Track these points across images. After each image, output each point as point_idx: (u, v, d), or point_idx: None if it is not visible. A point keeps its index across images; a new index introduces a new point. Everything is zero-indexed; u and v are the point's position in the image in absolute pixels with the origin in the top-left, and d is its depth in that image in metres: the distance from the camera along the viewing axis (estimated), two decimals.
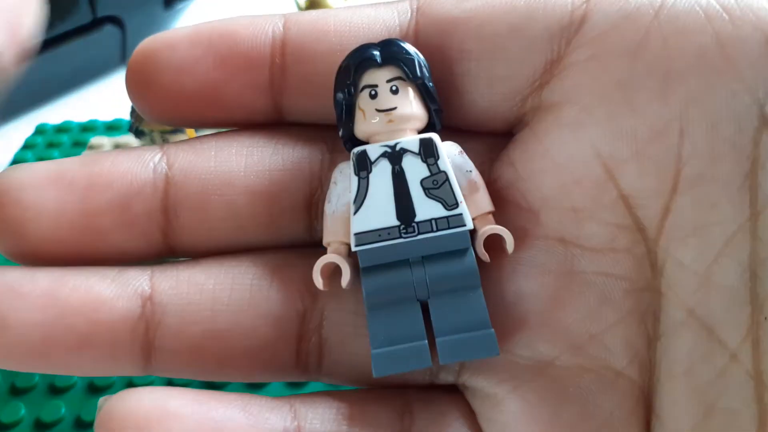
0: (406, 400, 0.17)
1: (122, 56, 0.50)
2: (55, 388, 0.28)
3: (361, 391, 0.17)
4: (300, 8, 0.46)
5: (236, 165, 0.17)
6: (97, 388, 0.28)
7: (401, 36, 0.17)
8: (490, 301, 0.17)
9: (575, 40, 0.16)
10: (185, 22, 0.55)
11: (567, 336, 0.16)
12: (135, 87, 0.17)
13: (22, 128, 0.45)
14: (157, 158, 0.17)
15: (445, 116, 0.17)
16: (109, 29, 0.47)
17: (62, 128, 0.45)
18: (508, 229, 0.17)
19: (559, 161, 0.16)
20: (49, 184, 0.16)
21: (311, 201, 0.17)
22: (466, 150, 0.17)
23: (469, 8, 0.17)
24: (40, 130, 0.45)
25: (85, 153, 0.17)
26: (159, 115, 0.17)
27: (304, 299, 0.17)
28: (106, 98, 0.47)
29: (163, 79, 0.17)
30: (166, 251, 0.17)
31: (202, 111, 0.17)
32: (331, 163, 0.17)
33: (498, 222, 0.17)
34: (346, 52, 0.17)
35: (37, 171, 0.16)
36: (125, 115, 0.43)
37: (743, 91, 0.15)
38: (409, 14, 0.17)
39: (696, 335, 0.15)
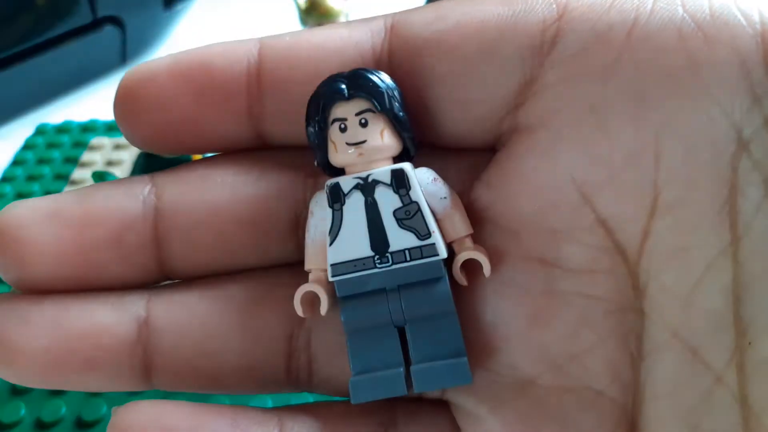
0: (392, 413, 0.17)
1: (122, 56, 0.50)
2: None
3: (347, 404, 0.17)
4: (300, 8, 0.47)
5: (222, 194, 0.17)
6: None
7: (374, 59, 0.17)
8: (470, 322, 0.17)
9: (548, 61, 0.16)
10: (185, 22, 0.55)
11: (547, 356, 0.16)
12: (121, 118, 0.17)
13: (22, 128, 0.45)
14: (146, 191, 0.17)
15: (421, 139, 0.17)
16: (109, 29, 0.47)
17: (62, 128, 0.45)
18: (487, 249, 0.17)
19: (535, 185, 0.16)
20: (47, 222, 0.17)
21: (297, 222, 0.18)
22: (447, 168, 0.17)
23: (441, 29, 0.16)
24: (40, 130, 0.45)
25: (78, 188, 0.18)
26: (145, 145, 0.18)
27: (291, 320, 0.17)
28: (106, 98, 0.47)
29: (145, 111, 0.17)
30: (161, 277, 0.18)
31: (186, 140, 0.18)
32: (315, 185, 0.18)
33: (477, 242, 0.17)
34: (321, 78, 0.17)
35: (35, 208, 0.17)
36: None
37: (719, 116, 0.15)
38: (382, 34, 0.17)
39: (680, 357, 0.15)
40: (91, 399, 0.28)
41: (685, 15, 0.15)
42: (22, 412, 0.28)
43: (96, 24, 0.47)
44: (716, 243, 0.15)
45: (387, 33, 0.17)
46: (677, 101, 0.15)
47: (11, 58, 0.44)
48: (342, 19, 0.46)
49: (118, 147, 0.43)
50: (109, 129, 0.45)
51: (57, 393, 0.28)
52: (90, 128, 0.45)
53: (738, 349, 0.15)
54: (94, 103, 0.48)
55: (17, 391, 0.28)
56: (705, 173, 0.15)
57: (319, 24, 0.45)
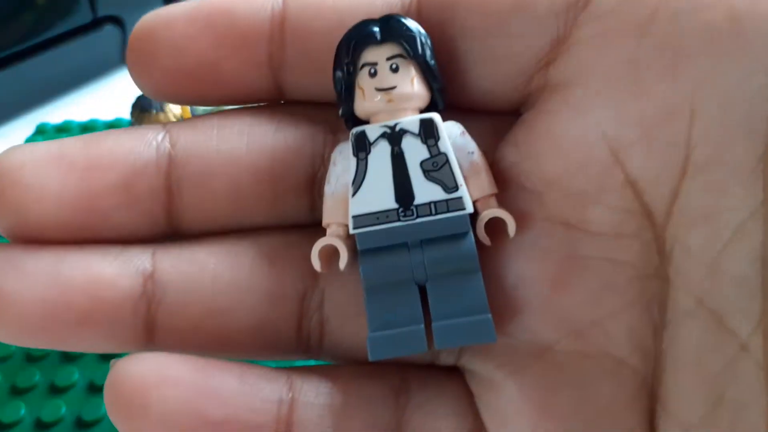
0: (404, 378, 0.17)
1: (122, 56, 0.50)
2: (56, 388, 0.28)
3: (359, 367, 0.17)
4: None
5: (239, 144, 0.17)
6: (98, 388, 0.28)
7: (403, 11, 0.17)
8: (490, 285, 0.16)
9: (582, 17, 0.16)
10: None
11: (568, 321, 0.16)
12: (134, 64, 0.17)
13: (22, 128, 0.45)
14: (159, 137, 0.17)
15: (448, 95, 0.17)
16: (109, 29, 0.48)
17: (62, 128, 0.45)
18: (511, 211, 0.16)
19: (564, 144, 0.16)
20: (50, 165, 0.16)
21: (314, 180, 0.17)
22: (471, 130, 0.17)
23: None
24: (40, 130, 0.45)
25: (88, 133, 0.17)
26: (159, 93, 0.17)
27: (304, 279, 0.17)
28: (106, 98, 0.47)
29: (161, 57, 0.16)
30: (169, 230, 0.17)
31: (202, 88, 0.17)
32: (334, 141, 0.17)
33: (501, 203, 0.16)
34: (346, 28, 0.16)
35: (38, 151, 0.16)
36: (125, 114, 0.43)
37: (758, 71, 0.14)
38: None
39: (705, 324, 0.15)
40: (91, 399, 0.27)
41: None
42: (22, 411, 0.27)
43: (96, 23, 0.47)
44: (747, 205, 0.15)
45: None
46: (716, 56, 0.15)
47: (11, 57, 0.44)
48: None
49: None
50: (109, 128, 0.44)
51: (57, 393, 0.28)
52: (90, 128, 0.45)
53: (765, 316, 0.15)
54: (94, 102, 0.48)
55: (17, 391, 0.28)
56: (740, 130, 0.15)
57: None
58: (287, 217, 0.17)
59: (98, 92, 0.48)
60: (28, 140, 0.44)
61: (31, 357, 0.29)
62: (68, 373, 0.28)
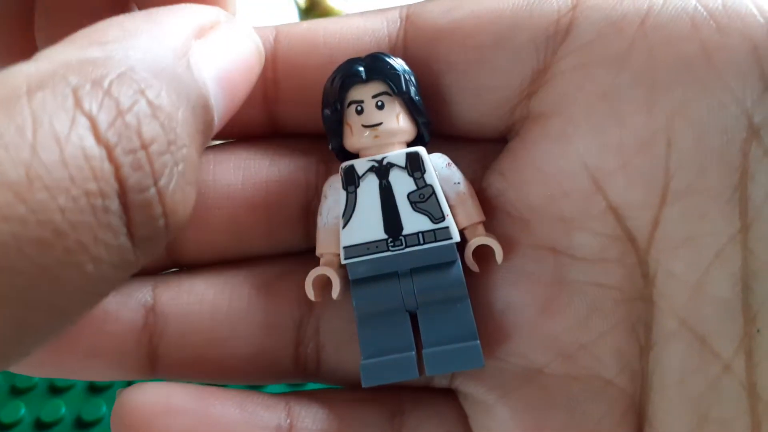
0: (399, 401, 0.17)
1: None
2: (55, 388, 0.28)
3: (354, 391, 0.17)
4: (300, 7, 0.46)
5: (234, 179, 0.17)
6: (97, 388, 0.28)
7: (390, 47, 0.17)
8: (480, 310, 0.17)
9: (561, 49, 0.16)
10: None
11: (556, 345, 0.16)
12: None
13: None
14: None
15: (434, 127, 0.17)
16: None
17: None
18: (499, 238, 0.17)
19: (547, 172, 0.16)
20: None
21: (308, 210, 0.18)
22: (459, 158, 0.17)
23: (456, 18, 0.17)
24: None
25: None
26: None
27: (300, 307, 0.17)
28: None
29: None
30: (170, 264, 0.18)
31: None
32: (326, 172, 0.18)
33: (488, 230, 0.17)
34: (336, 64, 0.17)
35: None
36: None
37: (731, 102, 0.15)
38: (398, 24, 0.17)
39: (688, 345, 0.16)
40: (90, 399, 0.28)
41: (697, 5, 0.16)
42: (22, 411, 0.28)
43: None
44: (726, 230, 0.15)
45: (402, 22, 0.17)
46: (689, 88, 0.15)
47: None
48: None
49: None
50: None
51: (57, 393, 0.28)
52: None
53: (746, 337, 0.15)
54: None
55: (17, 391, 0.28)
56: (716, 159, 0.15)
57: None
58: (283, 245, 0.18)
59: None
60: None
61: None
62: None
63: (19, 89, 0.10)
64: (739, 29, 0.15)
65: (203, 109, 0.13)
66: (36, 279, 0.09)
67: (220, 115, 0.13)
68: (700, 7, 0.15)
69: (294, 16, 0.47)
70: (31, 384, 0.28)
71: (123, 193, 0.10)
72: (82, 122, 0.10)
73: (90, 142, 0.10)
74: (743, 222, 0.15)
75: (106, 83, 0.10)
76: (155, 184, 0.11)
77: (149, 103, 0.11)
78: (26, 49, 0.17)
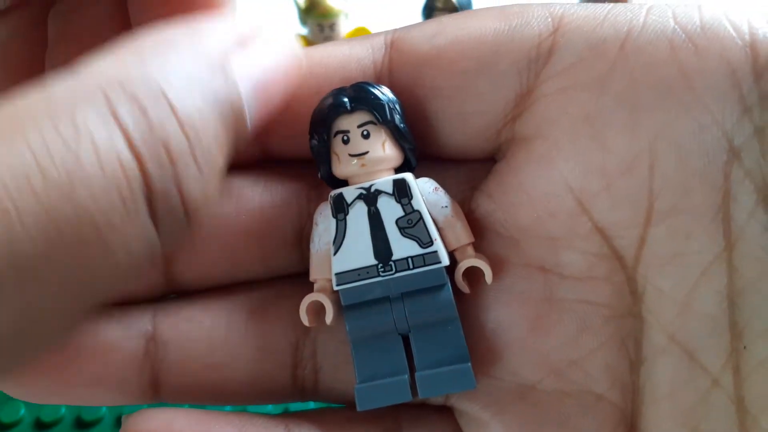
0: (396, 418, 0.18)
1: None
2: None
3: (352, 410, 0.18)
4: (299, 7, 0.47)
5: (228, 206, 0.18)
6: None
7: (375, 74, 0.17)
8: (472, 330, 0.17)
9: (543, 73, 0.16)
10: None
11: (547, 362, 0.17)
12: None
13: None
14: None
15: (421, 151, 0.17)
16: None
17: None
18: (488, 257, 0.17)
19: (533, 194, 0.17)
20: None
21: (301, 235, 0.18)
22: (447, 178, 0.18)
23: (440, 44, 0.17)
24: None
25: None
26: None
27: (296, 330, 0.18)
28: None
29: None
30: (168, 290, 0.18)
31: None
32: (318, 197, 0.18)
33: (478, 249, 0.17)
34: (323, 93, 0.17)
35: None
36: None
37: (711, 124, 0.15)
38: (383, 50, 0.17)
39: (678, 360, 0.16)
40: None
41: (676, 27, 0.16)
42: (22, 411, 0.28)
43: None
44: (711, 249, 0.15)
45: (387, 48, 0.17)
46: (670, 110, 0.15)
47: None
48: (341, 18, 0.46)
49: None
50: None
51: None
52: None
53: (734, 352, 0.15)
54: None
55: None
56: (698, 181, 0.15)
57: (319, 23, 0.45)
58: (279, 269, 0.18)
59: None
60: None
61: None
62: None
63: (64, 103, 0.11)
64: (718, 52, 0.15)
65: (236, 119, 0.14)
66: (75, 268, 0.11)
67: (253, 123, 0.14)
68: (678, 29, 0.16)
69: (294, 16, 0.47)
70: None
71: (150, 194, 0.12)
72: (118, 134, 0.11)
73: (125, 152, 0.11)
74: (727, 241, 0.15)
75: (141, 100, 0.12)
76: (178, 187, 0.12)
77: (179, 120, 0.12)
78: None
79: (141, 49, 0.13)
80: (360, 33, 0.46)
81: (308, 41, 0.46)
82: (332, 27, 0.45)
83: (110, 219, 0.11)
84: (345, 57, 0.18)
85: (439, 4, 0.43)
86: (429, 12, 0.44)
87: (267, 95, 0.15)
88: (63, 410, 0.28)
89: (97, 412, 0.28)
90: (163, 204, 0.12)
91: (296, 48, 0.16)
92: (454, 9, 0.43)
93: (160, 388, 0.17)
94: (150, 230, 0.12)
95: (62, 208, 0.10)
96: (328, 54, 0.18)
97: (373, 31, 0.46)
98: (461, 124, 0.17)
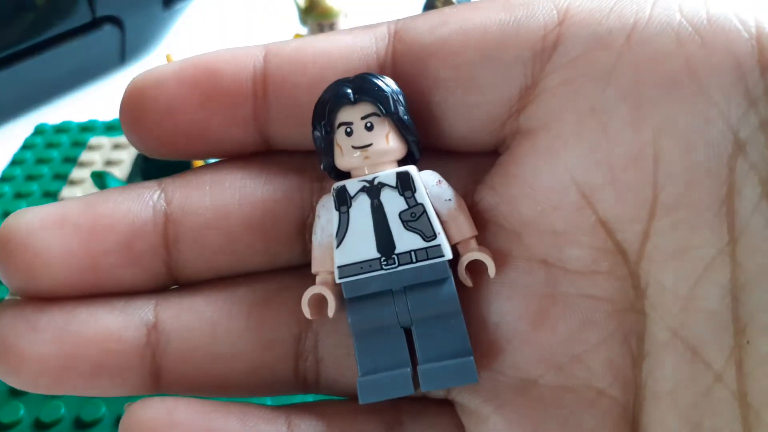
0: (397, 412, 0.18)
1: (121, 56, 0.50)
2: None
3: (353, 403, 0.18)
4: (299, 7, 0.47)
5: (230, 198, 0.18)
6: None
7: (379, 64, 0.17)
8: (474, 323, 0.17)
9: (549, 65, 0.16)
10: (184, 22, 0.55)
11: (550, 356, 0.17)
12: (128, 124, 0.17)
13: (21, 128, 0.45)
14: (155, 196, 0.18)
15: (425, 143, 0.17)
16: (109, 29, 0.47)
17: (62, 128, 0.45)
18: (491, 250, 0.17)
19: (537, 187, 0.17)
20: (55, 229, 0.17)
21: (304, 226, 0.18)
22: (451, 171, 0.17)
23: (444, 35, 0.17)
24: (39, 130, 0.45)
25: (85, 194, 0.18)
26: (152, 150, 0.18)
27: (299, 322, 0.18)
28: (106, 98, 0.47)
29: (153, 117, 0.17)
30: (170, 281, 0.18)
31: (193, 145, 0.18)
32: (321, 189, 0.18)
33: (481, 243, 0.17)
34: (326, 83, 0.17)
35: (43, 215, 0.17)
36: None
37: (716, 117, 0.15)
38: (386, 40, 0.17)
39: (680, 356, 0.16)
40: (90, 399, 0.28)
41: (682, 20, 0.16)
42: (21, 412, 0.28)
43: (95, 23, 0.47)
44: (715, 243, 0.15)
45: (391, 39, 0.17)
46: (675, 103, 0.15)
47: (11, 57, 0.44)
48: (341, 18, 0.46)
49: (117, 147, 0.43)
50: (108, 129, 0.45)
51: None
52: (89, 128, 0.45)
53: (737, 348, 0.15)
54: (93, 102, 0.48)
55: (16, 392, 0.29)
56: (703, 174, 0.15)
57: (319, 23, 0.45)
58: (281, 261, 0.18)
59: (97, 92, 0.48)
60: (28, 140, 0.44)
61: None
62: None
63: None
64: (724, 45, 0.15)
65: None
66: None
67: None
68: (684, 22, 0.15)
69: (293, 16, 0.47)
70: None
71: None
72: None
73: None
74: (731, 235, 0.15)
75: None
76: None
77: None
78: None
79: None
80: None
81: None
82: (332, 27, 0.45)
83: None
84: (348, 47, 0.17)
85: (439, 4, 0.43)
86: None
87: None
88: (62, 410, 0.28)
89: (96, 413, 0.28)
90: None
91: None
92: None
93: (161, 379, 0.17)
94: None
95: None
96: (331, 43, 0.18)
97: None
98: (465, 116, 0.17)
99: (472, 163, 0.18)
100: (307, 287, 0.17)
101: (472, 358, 0.16)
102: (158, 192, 0.18)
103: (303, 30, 0.47)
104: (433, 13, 0.17)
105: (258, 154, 0.18)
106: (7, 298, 0.17)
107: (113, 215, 0.17)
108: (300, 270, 0.18)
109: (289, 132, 0.18)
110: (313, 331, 0.18)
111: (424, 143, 0.17)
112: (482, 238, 0.17)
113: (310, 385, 0.18)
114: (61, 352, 0.16)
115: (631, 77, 0.16)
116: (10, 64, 0.44)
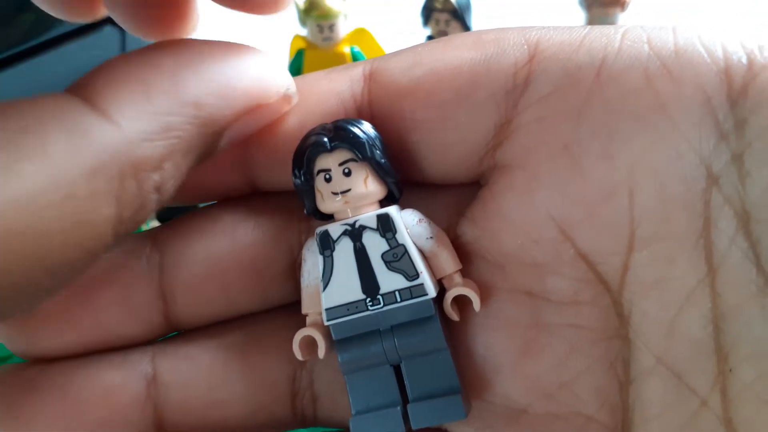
0: None
1: None
2: None
3: None
4: (299, 8, 0.46)
5: (222, 245, 0.18)
6: None
7: (356, 107, 0.18)
8: (462, 356, 0.17)
9: (521, 102, 0.16)
10: None
11: (537, 385, 0.17)
12: None
13: None
14: (148, 249, 0.18)
15: (405, 180, 0.18)
16: (109, 30, 0.47)
17: None
18: (476, 282, 0.17)
19: (516, 222, 0.17)
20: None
21: (294, 265, 0.18)
22: (434, 204, 0.18)
23: (417, 76, 0.17)
24: None
25: None
26: None
27: (293, 361, 0.18)
28: None
29: None
30: (168, 330, 0.19)
31: (183, 192, 0.18)
32: (308, 228, 0.18)
33: (466, 275, 0.17)
34: (305, 129, 0.17)
35: None
36: None
37: (688, 151, 0.15)
38: (361, 83, 0.18)
39: (666, 381, 0.16)
40: None
41: (650, 53, 0.16)
42: None
43: (96, 24, 0.47)
44: (694, 274, 0.16)
45: (366, 81, 0.18)
46: (646, 139, 0.15)
47: (11, 58, 0.44)
48: (341, 19, 0.46)
49: None
50: None
51: None
52: None
53: (720, 375, 0.16)
54: None
55: None
56: (678, 208, 0.15)
57: (318, 24, 0.45)
58: (274, 301, 0.19)
59: None
60: None
61: None
62: None
63: None
64: (692, 78, 0.15)
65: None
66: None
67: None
68: (653, 55, 0.16)
69: (293, 16, 0.47)
70: None
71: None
72: None
73: None
74: (710, 266, 0.15)
75: None
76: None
77: None
78: None
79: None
80: (359, 34, 0.46)
81: (308, 42, 0.46)
82: (332, 28, 0.45)
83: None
84: (325, 92, 0.18)
85: (438, 5, 0.43)
86: (428, 12, 0.44)
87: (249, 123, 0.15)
88: None
89: None
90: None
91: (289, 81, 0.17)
92: (452, 9, 0.43)
93: (164, 429, 0.18)
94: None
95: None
96: (309, 89, 0.18)
97: (372, 32, 0.46)
98: (443, 154, 0.17)
99: (455, 195, 0.18)
100: (299, 325, 0.18)
101: (459, 396, 0.17)
102: (150, 244, 0.18)
103: (302, 31, 0.47)
104: (406, 52, 0.18)
105: (245, 196, 0.19)
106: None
107: (109, 272, 0.18)
108: (293, 307, 0.18)
109: (274, 176, 0.18)
110: (308, 369, 0.18)
111: (406, 178, 0.18)
112: (467, 271, 0.18)
113: (308, 420, 0.19)
114: (64, 412, 0.17)
115: (602, 114, 0.16)
116: (11, 64, 0.44)
